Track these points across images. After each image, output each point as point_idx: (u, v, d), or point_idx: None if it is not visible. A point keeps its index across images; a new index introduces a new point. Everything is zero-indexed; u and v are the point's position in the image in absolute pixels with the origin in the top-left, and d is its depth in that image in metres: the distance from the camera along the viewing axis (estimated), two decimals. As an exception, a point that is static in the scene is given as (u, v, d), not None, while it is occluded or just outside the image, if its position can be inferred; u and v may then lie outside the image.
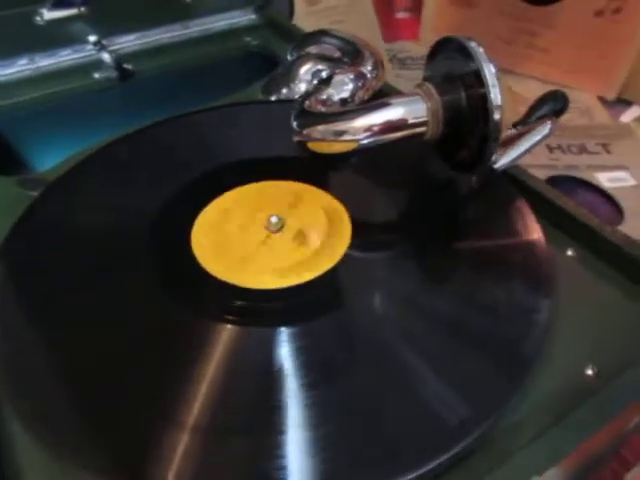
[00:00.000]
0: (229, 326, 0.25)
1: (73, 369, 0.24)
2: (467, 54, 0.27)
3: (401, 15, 0.74)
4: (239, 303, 0.26)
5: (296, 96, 0.40)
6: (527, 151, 0.34)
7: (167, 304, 0.26)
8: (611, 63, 0.65)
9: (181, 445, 0.21)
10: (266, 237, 0.29)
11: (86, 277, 0.27)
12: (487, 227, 0.30)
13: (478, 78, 0.27)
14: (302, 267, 0.27)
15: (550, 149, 0.57)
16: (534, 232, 0.28)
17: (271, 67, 0.48)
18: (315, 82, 0.36)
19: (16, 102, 0.43)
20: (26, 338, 0.24)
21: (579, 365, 0.25)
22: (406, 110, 0.28)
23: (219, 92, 0.45)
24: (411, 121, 0.28)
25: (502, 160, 0.31)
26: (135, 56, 0.48)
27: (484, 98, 0.26)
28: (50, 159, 0.45)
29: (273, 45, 0.51)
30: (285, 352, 0.24)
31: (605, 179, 0.54)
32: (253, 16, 0.52)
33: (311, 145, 0.30)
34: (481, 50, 0.27)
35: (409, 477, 0.20)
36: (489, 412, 0.22)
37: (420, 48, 0.72)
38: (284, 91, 0.42)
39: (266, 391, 0.22)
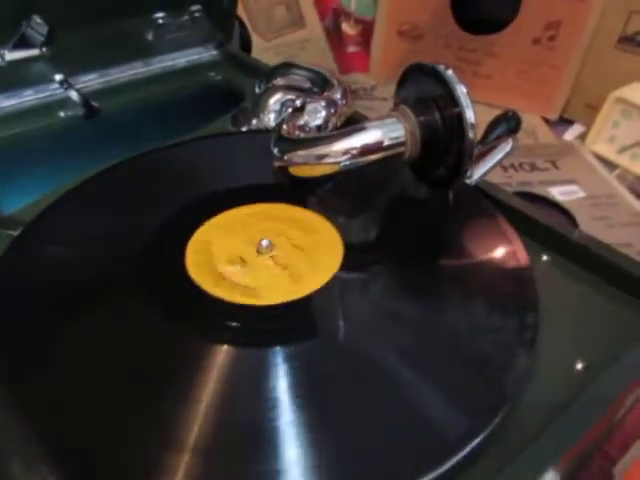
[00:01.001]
0: (226, 346, 0.25)
1: (67, 393, 0.23)
2: (438, 78, 0.29)
3: (352, 49, 0.77)
4: (235, 322, 0.26)
5: (268, 126, 0.41)
6: (494, 166, 0.36)
7: (163, 326, 0.26)
8: (551, 86, 0.69)
9: (179, 467, 0.21)
10: (257, 258, 0.29)
11: (76, 306, 0.27)
12: (471, 244, 0.31)
13: (451, 99, 0.28)
14: (294, 286, 0.28)
15: (504, 168, 0.60)
16: (517, 247, 0.30)
17: (235, 101, 0.49)
18: (289, 111, 0.37)
19: (-20, 144, 0.42)
20: (24, 362, 0.24)
21: (569, 361, 0.26)
22: (385, 132, 0.29)
23: (185, 127, 0.45)
24: (390, 142, 0.29)
25: (474, 176, 0.33)
26: (99, 94, 0.48)
27: (459, 117, 0.28)
28: (15, 199, 0.44)
29: (235, 79, 0.52)
30: (284, 371, 0.24)
31: (557, 193, 0.57)
32: (214, 52, 0.53)
33: (293, 170, 0.31)
34: (451, 73, 0.29)
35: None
36: (485, 422, 0.22)
37: (371, 80, 0.75)
38: (254, 122, 0.43)
39: (265, 409, 0.23)
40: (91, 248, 0.30)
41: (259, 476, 0.21)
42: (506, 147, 0.37)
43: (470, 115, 0.28)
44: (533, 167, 0.62)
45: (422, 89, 0.30)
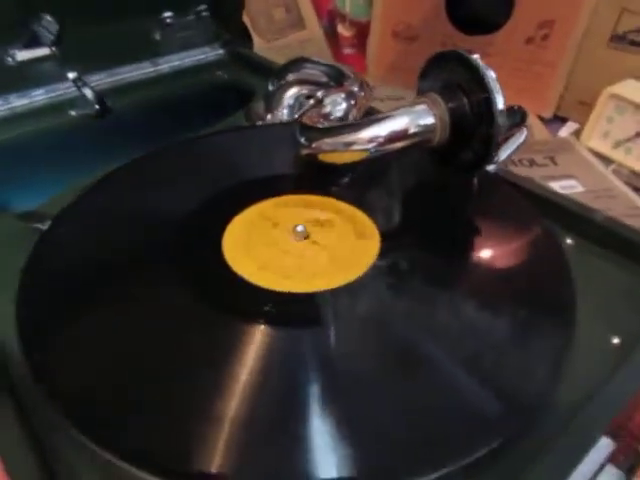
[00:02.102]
0: (262, 327, 0.25)
1: (113, 371, 0.24)
2: (465, 64, 0.30)
3: (347, 51, 0.78)
4: (271, 305, 0.27)
5: (282, 121, 0.42)
6: (510, 155, 0.37)
7: (204, 309, 0.26)
8: (545, 85, 0.71)
9: (217, 437, 0.21)
10: (293, 245, 0.29)
11: (116, 286, 0.27)
12: (501, 231, 0.32)
13: (479, 84, 0.29)
14: (330, 273, 0.28)
15: (504, 164, 0.61)
16: (546, 231, 0.30)
17: (243, 98, 0.49)
18: (310, 102, 0.37)
19: (-8, 143, 0.42)
20: (68, 341, 0.25)
21: (606, 337, 0.27)
22: (413, 118, 0.30)
23: (194, 125, 0.45)
24: (419, 129, 0.30)
25: (494, 163, 0.34)
26: (107, 93, 0.48)
27: (488, 102, 0.29)
28: (25, 197, 0.44)
29: (243, 77, 0.52)
30: (324, 350, 0.25)
31: (557, 187, 0.59)
32: (221, 51, 0.53)
33: (321, 157, 0.32)
34: (478, 58, 0.29)
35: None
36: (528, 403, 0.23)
37: (367, 80, 0.76)
38: (268, 117, 0.43)
39: (302, 388, 0.23)
40: (124, 236, 0.30)
41: (292, 448, 0.21)
42: (520, 137, 0.38)
43: (500, 100, 0.28)
44: (532, 163, 0.63)
45: (447, 77, 0.31)
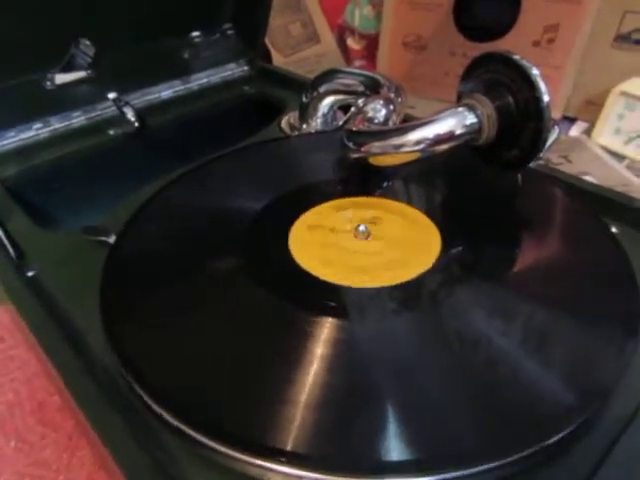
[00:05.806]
0: (330, 319, 0.26)
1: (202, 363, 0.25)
2: (507, 64, 0.31)
3: (357, 63, 0.80)
4: (338, 299, 0.28)
5: (317, 130, 0.43)
6: (545, 151, 0.38)
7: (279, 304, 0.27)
8: (552, 87, 0.72)
9: (293, 418, 0.22)
10: (355, 243, 0.31)
11: (201, 291, 0.29)
12: (562, 229, 0.33)
13: (524, 82, 0.30)
14: (397, 269, 0.29)
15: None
16: (602, 227, 0.32)
17: (271, 111, 0.50)
18: (352, 110, 0.39)
19: (36, 164, 0.43)
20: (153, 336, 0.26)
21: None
22: (461, 119, 0.31)
23: (225, 139, 0.47)
24: (467, 129, 0.31)
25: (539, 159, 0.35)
26: (141, 112, 0.49)
27: (535, 99, 0.30)
28: (68, 216, 0.45)
29: (269, 91, 0.53)
30: (402, 339, 0.26)
31: (575, 184, 0.60)
32: (246, 67, 0.55)
33: (373, 160, 0.33)
34: (520, 57, 0.31)
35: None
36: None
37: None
38: (304, 127, 0.44)
39: (371, 375, 0.24)
40: (190, 246, 0.31)
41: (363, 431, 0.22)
42: (554, 133, 0.40)
43: (547, 97, 0.30)
44: (548, 161, 0.65)
45: (490, 77, 0.32)
